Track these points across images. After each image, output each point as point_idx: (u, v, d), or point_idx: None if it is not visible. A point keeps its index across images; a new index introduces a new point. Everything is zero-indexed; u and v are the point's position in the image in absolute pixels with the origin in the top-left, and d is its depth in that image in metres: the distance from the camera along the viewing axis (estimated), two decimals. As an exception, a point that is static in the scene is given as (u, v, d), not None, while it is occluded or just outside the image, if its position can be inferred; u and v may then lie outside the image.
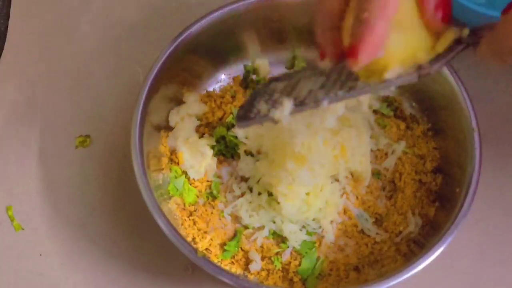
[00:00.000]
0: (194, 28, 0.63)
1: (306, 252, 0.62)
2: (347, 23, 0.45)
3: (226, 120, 0.66)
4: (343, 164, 0.63)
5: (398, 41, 0.44)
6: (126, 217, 0.66)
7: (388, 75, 0.45)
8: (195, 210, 0.64)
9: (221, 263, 0.61)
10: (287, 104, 0.50)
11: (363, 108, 0.57)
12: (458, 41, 0.45)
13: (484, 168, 0.58)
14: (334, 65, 0.48)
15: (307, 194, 0.61)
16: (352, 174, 0.65)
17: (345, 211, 0.64)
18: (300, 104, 0.50)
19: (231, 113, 0.67)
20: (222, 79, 0.70)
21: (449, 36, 0.45)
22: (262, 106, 0.52)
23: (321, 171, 0.61)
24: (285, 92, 0.52)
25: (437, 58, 0.45)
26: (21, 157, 0.68)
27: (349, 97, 0.48)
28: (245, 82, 0.70)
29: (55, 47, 0.74)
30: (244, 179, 0.66)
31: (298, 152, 0.59)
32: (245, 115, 0.53)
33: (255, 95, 0.54)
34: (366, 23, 0.41)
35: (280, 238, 0.63)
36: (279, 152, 0.61)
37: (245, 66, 0.70)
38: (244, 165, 0.65)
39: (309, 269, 0.61)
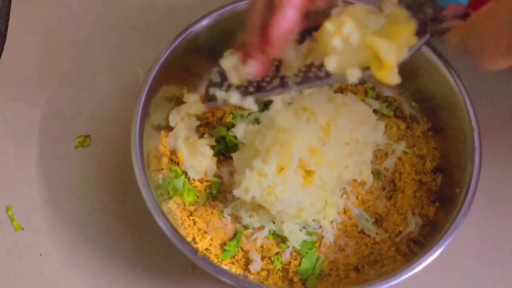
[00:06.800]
0: (194, 28, 0.63)
1: (306, 252, 0.62)
2: None
3: (226, 120, 0.66)
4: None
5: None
6: (126, 217, 0.66)
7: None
8: (195, 210, 0.64)
9: (221, 263, 0.61)
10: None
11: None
12: (422, 30, 0.49)
13: (484, 168, 0.58)
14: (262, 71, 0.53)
15: (300, 211, 0.60)
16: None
17: (345, 211, 0.64)
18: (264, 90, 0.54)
19: (231, 113, 0.67)
20: (222, 79, 0.70)
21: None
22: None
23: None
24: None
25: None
26: (21, 157, 0.68)
27: (318, 85, 0.52)
28: (245, 82, 0.70)
29: (55, 47, 0.74)
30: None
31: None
32: (213, 96, 0.56)
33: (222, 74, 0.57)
34: (277, 11, 0.48)
35: (280, 238, 0.63)
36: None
37: (245, 66, 0.70)
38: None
39: (309, 269, 0.61)
